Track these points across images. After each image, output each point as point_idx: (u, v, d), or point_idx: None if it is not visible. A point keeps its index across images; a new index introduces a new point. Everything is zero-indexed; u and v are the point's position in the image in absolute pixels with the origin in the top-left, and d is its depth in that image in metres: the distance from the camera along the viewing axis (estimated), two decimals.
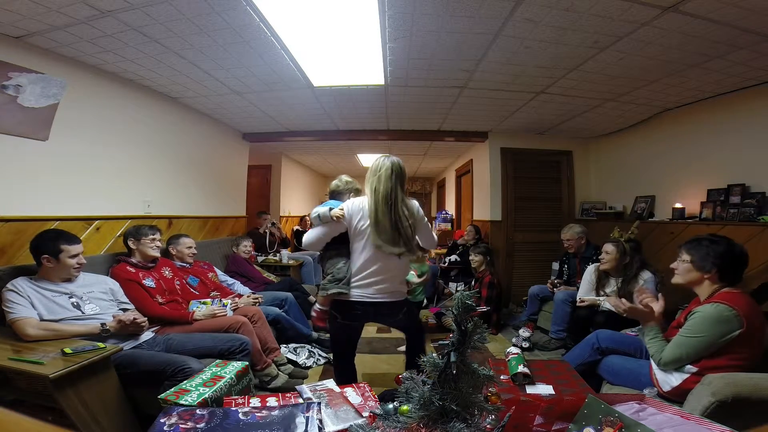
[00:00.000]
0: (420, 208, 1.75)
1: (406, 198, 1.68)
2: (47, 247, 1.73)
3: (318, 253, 1.85)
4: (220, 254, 3.59)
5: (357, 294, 1.64)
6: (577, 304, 2.63)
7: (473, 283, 3.54)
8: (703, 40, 2.01)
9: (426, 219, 1.79)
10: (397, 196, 1.62)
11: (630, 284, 2.42)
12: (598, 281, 2.64)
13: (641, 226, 3.31)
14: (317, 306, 1.80)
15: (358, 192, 1.88)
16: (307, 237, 1.71)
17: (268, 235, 4.62)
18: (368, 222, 1.61)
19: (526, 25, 1.98)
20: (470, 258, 3.59)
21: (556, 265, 3.88)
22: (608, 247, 2.57)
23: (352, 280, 1.65)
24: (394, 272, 1.68)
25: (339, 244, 1.70)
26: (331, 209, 1.63)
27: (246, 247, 3.61)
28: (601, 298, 2.50)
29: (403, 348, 2.98)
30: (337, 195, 1.88)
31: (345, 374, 1.79)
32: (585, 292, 2.66)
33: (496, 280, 3.48)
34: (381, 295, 1.66)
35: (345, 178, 1.93)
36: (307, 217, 6.21)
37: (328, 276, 1.69)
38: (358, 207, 1.64)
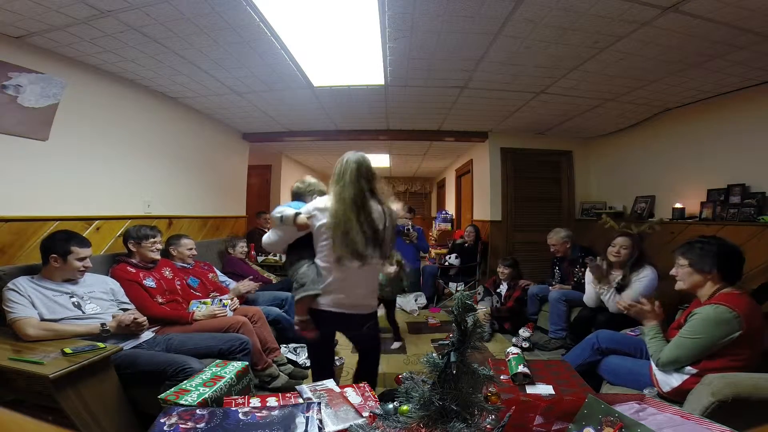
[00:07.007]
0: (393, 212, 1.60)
1: (378, 198, 1.54)
2: (57, 247, 1.74)
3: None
4: (219, 254, 3.59)
5: (324, 303, 1.50)
6: (596, 290, 2.49)
7: (506, 290, 3.54)
8: (703, 40, 2.01)
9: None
10: (365, 200, 1.49)
11: (630, 278, 2.40)
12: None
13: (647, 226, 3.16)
14: (296, 318, 1.57)
15: (322, 194, 1.74)
16: (268, 238, 1.59)
17: None
18: (331, 227, 1.46)
19: (526, 25, 1.98)
20: (498, 270, 3.61)
21: None
22: (623, 241, 2.48)
23: (320, 287, 1.50)
24: (361, 283, 1.53)
25: (301, 249, 1.57)
26: (297, 214, 1.51)
27: (242, 248, 3.58)
28: (606, 288, 2.44)
29: (396, 345, 2.96)
30: (299, 197, 1.76)
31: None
32: (590, 292, 2.61)
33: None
34: (345, 308, 1.51)
35: (308, 179, 1.84)
36: None
37: (294, 285, 1.55)
38: (322, 207, 1.50)
